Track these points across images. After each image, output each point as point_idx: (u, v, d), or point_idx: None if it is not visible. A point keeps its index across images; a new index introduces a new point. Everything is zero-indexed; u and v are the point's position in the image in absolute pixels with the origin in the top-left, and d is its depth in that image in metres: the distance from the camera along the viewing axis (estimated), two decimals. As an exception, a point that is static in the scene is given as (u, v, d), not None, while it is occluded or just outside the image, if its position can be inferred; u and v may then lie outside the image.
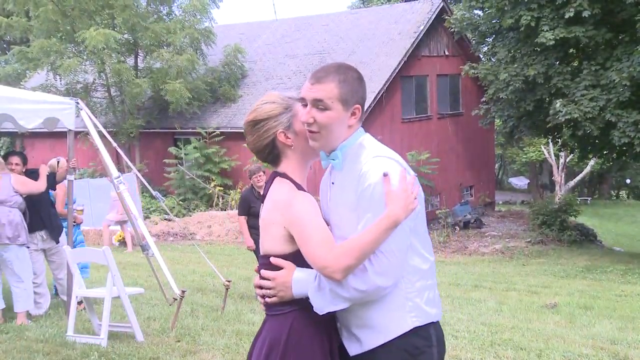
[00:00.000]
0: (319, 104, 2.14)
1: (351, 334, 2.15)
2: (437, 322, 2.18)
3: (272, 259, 2.22)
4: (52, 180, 6.89)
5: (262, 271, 2.25)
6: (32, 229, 6.68)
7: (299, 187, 2.26)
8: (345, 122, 2.16)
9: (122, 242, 14.74)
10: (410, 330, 2.07)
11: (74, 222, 7.46)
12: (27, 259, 6.56)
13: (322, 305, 2.08)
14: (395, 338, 2.07)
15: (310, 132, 2.17)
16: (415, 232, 2.11)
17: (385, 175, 2.03)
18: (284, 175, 2.30)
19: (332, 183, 2.25)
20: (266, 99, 2.35)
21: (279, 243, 2.21)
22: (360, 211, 2.08)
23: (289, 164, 2.32)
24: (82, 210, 8.56)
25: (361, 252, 2.00)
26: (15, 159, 6.73)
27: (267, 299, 2.22)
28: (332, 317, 2.19)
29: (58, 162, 7.08)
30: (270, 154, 2.32)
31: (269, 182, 2.34)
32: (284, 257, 2.20)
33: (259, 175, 7.55)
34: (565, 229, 18.21)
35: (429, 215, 18.94)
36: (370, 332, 2.10)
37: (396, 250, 2.02)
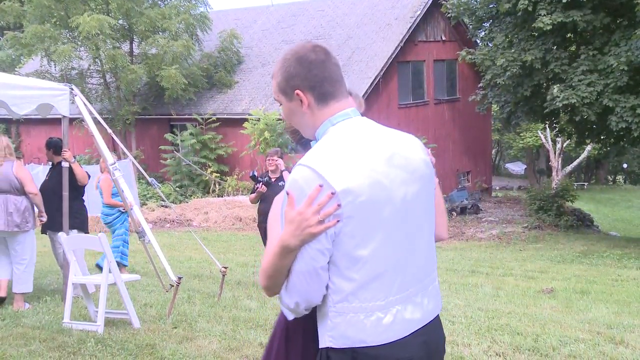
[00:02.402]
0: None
1: None
2: (370, 347, 1.92)
3: None
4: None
5: None
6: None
7: None
8: (299, 111, 2.02)
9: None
10: (326, 347, 1.96)
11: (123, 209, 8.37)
12: (33, 243, 6.60)
13: (286, 313, 2.08)
14: (322, 348, 2.00)
15: None
16: (340, 252, 1.89)
17: (287, 194, 1.85)
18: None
19: None
20: None
21: None
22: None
23: None
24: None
25: (265, 274, 1.95)
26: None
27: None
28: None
29: None
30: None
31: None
32: None
33: (272, 159, 7.35)
34: (562, 214, 18.25)
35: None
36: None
37: (299, 272, 1.89)
